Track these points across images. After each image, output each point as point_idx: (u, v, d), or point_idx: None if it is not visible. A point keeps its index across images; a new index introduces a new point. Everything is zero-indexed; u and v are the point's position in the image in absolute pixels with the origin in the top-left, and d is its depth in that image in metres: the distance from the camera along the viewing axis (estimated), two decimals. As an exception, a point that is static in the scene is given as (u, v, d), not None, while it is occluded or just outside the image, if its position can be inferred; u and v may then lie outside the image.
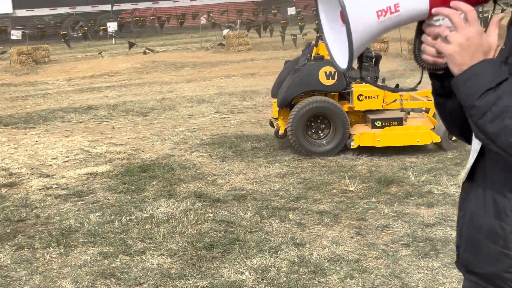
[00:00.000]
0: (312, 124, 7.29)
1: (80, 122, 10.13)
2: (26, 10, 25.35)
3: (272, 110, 8.06)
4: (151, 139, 8.63)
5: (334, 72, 7.18)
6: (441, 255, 4.63)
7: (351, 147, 7.18)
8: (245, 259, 4.68)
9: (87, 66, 17.21)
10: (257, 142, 8.12)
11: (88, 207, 6.00)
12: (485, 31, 1.62)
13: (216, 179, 6.70)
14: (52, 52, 19.10)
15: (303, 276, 4.39)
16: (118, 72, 16.08)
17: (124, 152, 7.96)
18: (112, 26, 21.43)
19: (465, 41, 1.57)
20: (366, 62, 7.42)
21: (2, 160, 7.83)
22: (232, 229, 5.28)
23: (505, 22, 1.76)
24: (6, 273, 4.63)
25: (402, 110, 7.41)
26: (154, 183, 6.62)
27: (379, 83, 7.52)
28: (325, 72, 7.18)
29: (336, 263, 4.57)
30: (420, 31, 1.68)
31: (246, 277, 4.41)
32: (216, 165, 7.26)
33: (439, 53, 1.64)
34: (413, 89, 1.84)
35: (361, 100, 7.29)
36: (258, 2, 29.02)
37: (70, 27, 24.70)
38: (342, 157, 7.22)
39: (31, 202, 6.20)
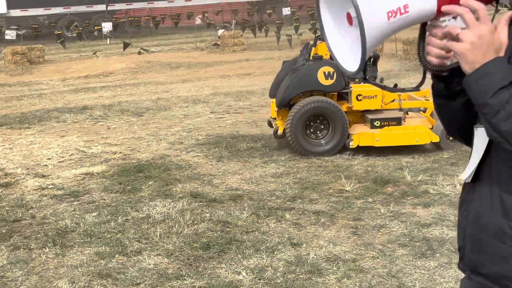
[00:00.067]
0: (311, 124, 7.29)
1: (75, 122, 10.11)
2: (21, 10, 25.28)
3: (270, 110, 8.05)
4: (146, 139, 8.61)
5: (333, 72, 7.19)
6: (438, 255, 4.63)
7: (350, 147, 7.19)
8: (242, 259, 4.67)
9: (82, 66, 17.18)
10: (253, 142, 8.12)
11: (84, 207, 5.99)
12: None
13: (212, 179, 6.69)
14: (46, 52, 19.05)
15: (300, 276, 4.39)
16: (113, 72, 16.05)
17: (120, 152, 7.94)
18: (106, 26, 21.37)
19: (477, 39, 1.57)
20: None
21: (-3, 160, 7.81)
22: (228, 229, 5.27)
23: None
24: (2, 274, 4.61)
25: (400, 110, 7.42)
26: (150, 183, 6.61)
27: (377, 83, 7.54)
28: (324, 72, 7.18)
29: (333, 263, 4.57)
30: (423, 33, 1.67)
31: (243, 277, 4.40)
32: (212, 165, 7.25)
33: (449, 52, 1.63)
34: (416, 89, 1.83)
35: (360, 100, 7.30)
36: (253, 3, 29.00)
37: (65, 27, 24.64)
38: (338, 157, 7.22)
39: (26, 202, 6.18)
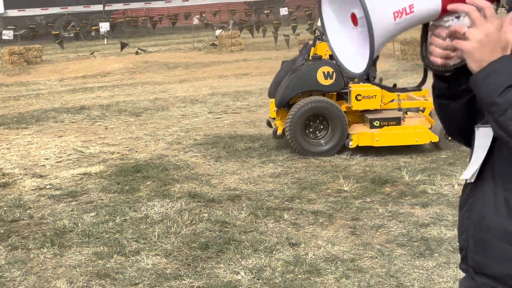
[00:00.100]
0: (311, 124, 7.29)
1: (73, 122, 10.10)
2: (18, 10, 25.26)
3: (268, 110, 8.05)
4: (144, 139, 8.61)
5: (332, 72, 7.19)
6: (436, 254, 4.63)
7: (350, 147, 7.19)
8: (240, 259, 4.67)
9: (79, 67, 17.16)
10: (250, 142, 8.11)
11: (82, 207, 5.98)
12: None
13: (210, 179, 6.69)
14: (44, 52, 19.03)
15: (299, 276, 4.39)
16: (111, 72, 16.04)
17: (118, 152, 7.94)
18: (104, 26, 21.38)
19: (484, 37, 1.56)
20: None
21: (-6, 160, 7.80)
22: (227, 229, 5.27)
23: None
24: (0, 274, 4.60)
25: (399, 110, 7.42)
26: (148, 183, 6.60)
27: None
28: (323, 72, 7.19)
29: (332, 263, 4.57)
30: (425, 33, 1.66)
31: (242, 277, 4.40)
32: (210, 165, 7.25)
33: (454, 51, 1.63)
34: (418, 88, 1.82)
35: (359, 100, 7.30)
36: (250, 3, 29.01)
37: (62, 27, 24.62)
38: (336, 157, 7.22)
39: (24, 202, 6.17)
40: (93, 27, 23.19)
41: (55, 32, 21.24)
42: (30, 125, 9.92)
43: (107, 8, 26.22)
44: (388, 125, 7.25)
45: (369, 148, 7.22)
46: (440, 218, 5.32)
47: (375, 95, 7.29)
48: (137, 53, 19.16)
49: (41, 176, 7.04)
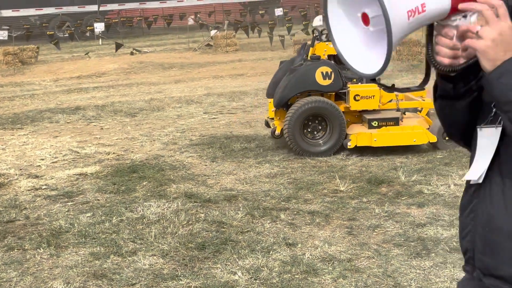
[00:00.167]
0: (309, 124, 7.30)
1: (68, 122, 10.07)
2: (12, 11, 25.20)
3: (263, 111, 8.05)
4: (140, 140, 8.60)
5: (331, 72, 7.20)
6: (433, 254, 4.64)
7: (348, 147, 7.19)
8: (237, 259, 4.67)
9: (74, 67, 17.13)
10: (246, 142, 8.11)
11: (78, 207, 5.97)
12: None
13: (206, 180, 6.68)
14: (39, 52, 18.97)
15: (296, 276, 4.39)
16: (106, 72, 16.01)
17: (113, 153, 7.92)
18: (99, 27, 21.34)
19: (497, 36, 1.55)
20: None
21: (-10, 160, 7.77)
22: (223, 229, 5.26)
23: None
24: (-3, 274, 4.59)
25: (398, 110, 7.43)
26: (144, 183, 6.59)
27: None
28: (322, 72, 7.19)
29: (329, 263, 4.57)
30: (431, 33, 1.65)
31: (239, 277, 4.40)
32: (206, 165, 7.24)
33: (464, 51, 1.62)
34: (421, 88, 1.81)
35: (358, 100, 7.31)
36: (245, 3, 29.01)
37: (57, 28, 24.57)
38: (332, 157, 7.22)
39: (20, 203, 6.15)
40: (88, 28, 23.15)
41: (50, 33, 21.20)
42: (25, 126, 9.89)
43: (101, 8, 26.19)
44: (386, 126, 7.25)
45: (365, 148, 7.23)
46: (437, 218, 5.33)
47: (373, 96, 7.30)
48: (132, 53, 19.14)
49: (36, 177, 7.02)
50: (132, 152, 7.97)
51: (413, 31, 1.57)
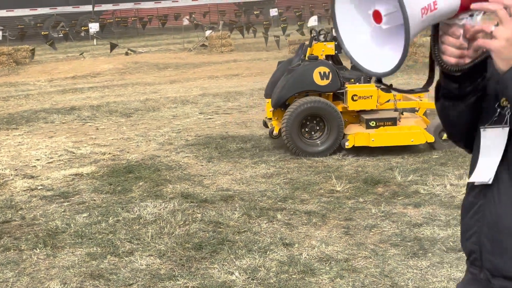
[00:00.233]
0: (307, 124, 7.30)
1: (63, 123, 10.05)
2: (6, 11, 25.13)
3: (259, 111, 8.05)
4: (135, 140, 8.58)
5: (328, 73, 7.21)
6: (430, 254, 4.65)
7: (346, 147, 7.20)
8: (234, 260, 4.67)
9: (69, 67, 17.09)
10: (242, 142, 8.11)
11: (74, 208, 5.95)
12: None
13: (202, 180, 6.68)
14: (34, 53, 18.92)
15: (293, 276, 4.39)
16: (101, 73, 15.98)
17: (109, 153, 7.91)
18: (93, 27, 21.30)
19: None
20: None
21: (-15, 161, 7.75)
22: (220, 230, 5.26)
23: None
24: (-7, 275, 4.58)
25: (396, 110, 7.44)
26: (141, 183, 6.58)
27: (373, 83, 7.57)
28: (320, 73, 7.20)
29: (326, 263, 4.57)
30: (437, 32, 1.64)
31: (236, 277, 4.40)
32: (202, 165, 7.24)
33: (477, 50, 1.61)
34: (425, 89, 1.80)
35: (355, 100, 7.32)
36: (240, 4, 29.01)
37: (51, 28, 24.52)
38: (328, 158, 7.23)
39: (16, 203, 6.13)
40: (82, 28, 23.10)
41: (45, 33, 21.14)
42: (20, 126, 9.86)
43: (96, 8, 26.14)
44: (384, 126, 7.26)
45: (361, 148, 7.24)
46: (433, 218, 5.34)
47: (371, 96, 7.31)
48: (127, 53, 19.11)
49: (32, 177, 7.00)
50: (128, 152, 7.95)
51: (424, 29, 1.56)
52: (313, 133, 7.33)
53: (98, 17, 25.66)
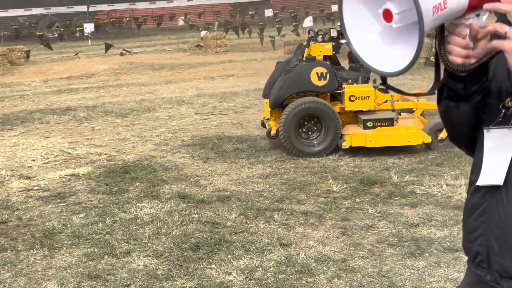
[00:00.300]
0: (305, 124, 7.31)
1: (59, 123, 10.03)
2: (0, 11, 25.07)
3: (255, 112, 8.05)
4: (131, 140, 8.57)
5: (326, 73, 7.22)
6: (427, 254, 4.66)
7: (343, 147, 7.20)
8: (232, 260, 4.67)
9: (64, 67, 17.06)
10: (238, 143, 8.11)
11: (70, 208, 5.94)
12: None
13: (199, 180, 6.67)
14: (29, 54, 18.87)
15: (291, 276, 4.39)
16: (96, 73, 15.96)
17: (105, 154, 7.90)
18: (88, 27, 21.27)
19: None
20: (357, 63, 7.48)
21: (-20, 161, 7.73)
22: (217, 230, 5.26)
23: None
24: (-10, 276, 4.56)
25: (393, 110, 7.45)
26: (137, 184, 6.58)
27: (371, 83, 7.59)
28: (317, 73, 7.21)
29: (323, 263, 4.58)
30: (442, 32, 1.63)
31: (234, 277, 4.40)
32: (198, 166, 7.23)
33: (484, 50, 1.61)
34: (432, 93, 1.79)
35: (353, 100, 7.33)
36: (235, 4, 29.01)
37: (46, 28, 24.47)
38: (324, 158, 7.24)
39: (12, 204, 6.12)
40: (77, 28, 23.06)
41: (39, 33, 21.10)
42: (16, 126, 9.84)
43: (91, 9, 26.10)
44: (381, 126, 7.27)
45: (357, 148, 7.25)
46: (430, 218, 5.35)
47: (368, 96, 7.32)
48: (122, 54, 19.09)
49: (28, 178, 6.99)
50: (124, 152, 7.94)
51: (434, 29, 1.55)
52: (310, 133, 7.34)
53: (93, 18, 25.63)
